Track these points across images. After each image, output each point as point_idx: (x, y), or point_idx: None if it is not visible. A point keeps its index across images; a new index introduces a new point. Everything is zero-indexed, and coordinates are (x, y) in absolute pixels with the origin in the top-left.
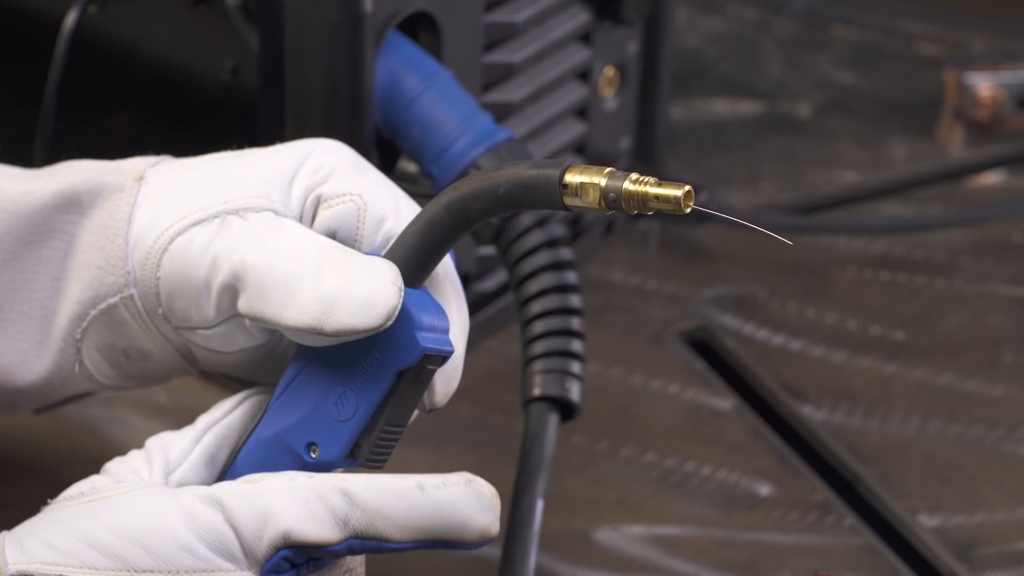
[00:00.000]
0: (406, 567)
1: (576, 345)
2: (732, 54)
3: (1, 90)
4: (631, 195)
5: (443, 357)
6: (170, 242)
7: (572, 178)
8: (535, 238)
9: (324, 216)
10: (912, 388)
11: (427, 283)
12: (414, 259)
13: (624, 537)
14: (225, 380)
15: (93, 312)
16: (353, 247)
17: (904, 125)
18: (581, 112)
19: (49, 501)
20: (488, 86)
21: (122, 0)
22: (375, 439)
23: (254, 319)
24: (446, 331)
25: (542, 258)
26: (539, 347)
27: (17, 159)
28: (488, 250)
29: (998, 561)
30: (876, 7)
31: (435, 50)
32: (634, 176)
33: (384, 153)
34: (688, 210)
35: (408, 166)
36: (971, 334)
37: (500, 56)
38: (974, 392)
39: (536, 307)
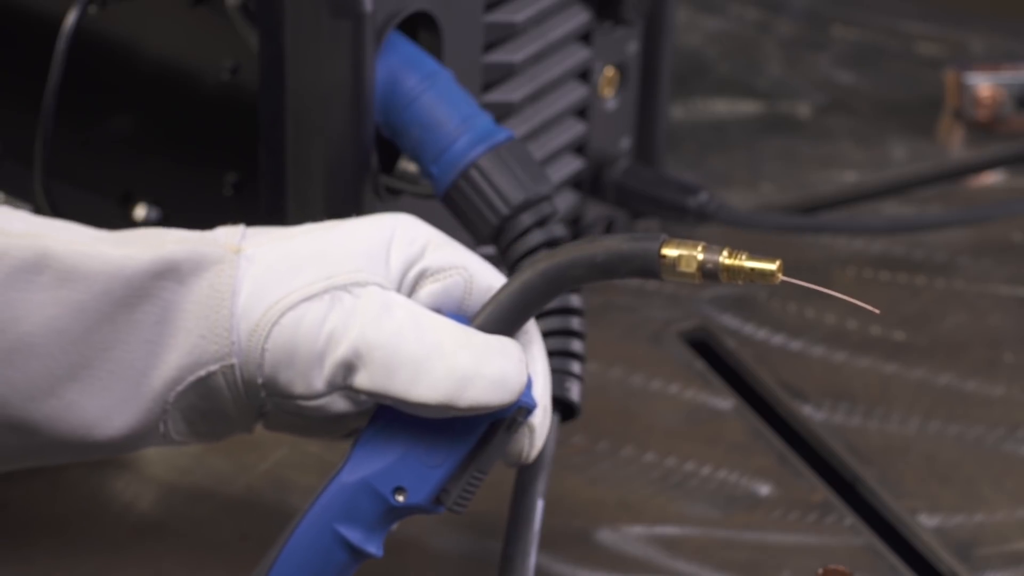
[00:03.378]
0: (406, 567)
1: (576, 345)
2: (732, 54)
3: (0, 90)
4: (727, 268)
5: (528, 410)
6: (280, 316)
7: (669, 252)
8: (535, 238)
9: (431, 289)
10: (912, 388)
11: (528, 345)
12: (506, 322)
13: (624, 537)
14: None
15: (190, 378)
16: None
17: (904, 125)
18: (581, 112)
19: None
20: (488, 86)
21: (122, 0)
22: (463, 485)
23: (375, 395)
24: (531, 386)
25: None
26: None
27: (17, 159)
28: (488, 250)
29: (998, 561)
30: (876, 7)
31: (435, 50)
32: (727, 251)
33: (384, 153)
34: (778, 281)
35: (408, 166)
36: (971, 334)
37: (500, 56)
38: (974, 392)
39: None
